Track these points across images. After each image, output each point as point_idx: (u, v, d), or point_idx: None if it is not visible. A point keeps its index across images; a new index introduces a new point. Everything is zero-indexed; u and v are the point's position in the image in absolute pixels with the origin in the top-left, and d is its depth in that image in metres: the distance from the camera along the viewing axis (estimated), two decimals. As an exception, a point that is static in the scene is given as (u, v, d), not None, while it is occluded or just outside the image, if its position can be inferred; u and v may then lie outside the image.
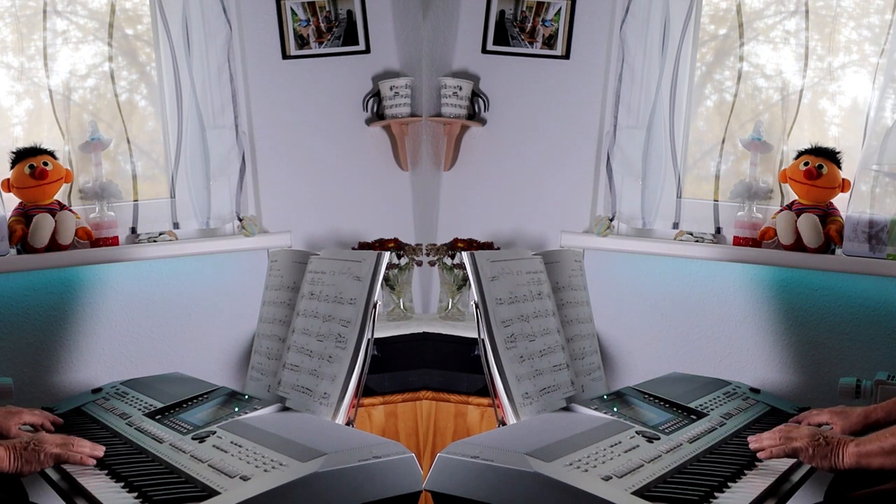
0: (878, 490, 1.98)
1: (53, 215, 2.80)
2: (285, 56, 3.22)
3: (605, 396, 2.38)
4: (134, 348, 3.04)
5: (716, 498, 1.76)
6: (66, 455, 1.91)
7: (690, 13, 3.03)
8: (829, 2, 2.97)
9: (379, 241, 3.19)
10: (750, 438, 2.03)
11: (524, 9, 3.23)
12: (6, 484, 2.21)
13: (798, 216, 2.85)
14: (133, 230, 3.04)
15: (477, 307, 2.29)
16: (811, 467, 1.95)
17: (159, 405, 2.32)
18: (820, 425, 2.19)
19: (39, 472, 1.95)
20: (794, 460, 1.96)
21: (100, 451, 1.96)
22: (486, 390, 2.28)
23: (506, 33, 3.26)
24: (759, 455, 1.95)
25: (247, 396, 2.39)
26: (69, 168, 2.94)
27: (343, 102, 3.29)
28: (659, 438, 2.03)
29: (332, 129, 3.30)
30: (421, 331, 3.03)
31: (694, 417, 2.23)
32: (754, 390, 2.57)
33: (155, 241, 3.01)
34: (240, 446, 1.93)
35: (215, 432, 2.05)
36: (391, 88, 3.24)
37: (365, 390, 2.31)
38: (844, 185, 2.88)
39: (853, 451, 1.88)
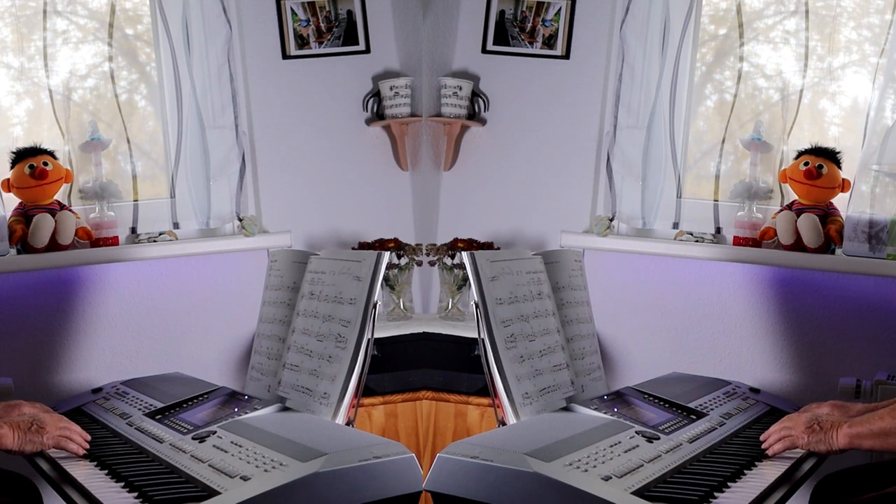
0: (879, 495, 1.99)
1: (53, 215, 2.80)
2: (285, 56, 3.22)
3: (605, 396, 2.38)
4: (134, 348, 3.04)
5: (716, 498, 1.76)
6: (64, 445, 1.99)
7: (690, 13, 3.03)
8: (829, 2, 2.97)
9: (379, 241, 3.19)
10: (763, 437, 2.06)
11: (524, 9, 3.23)
12: (20, 485, 2.21)
13: (798, 216, 2.85)
14: (133, 230, 3.04)
15: (477, 307, 2.29)
16: (811, 467, 1.97)
17: (159, 405, 2.32)
18: None
19: (40, 473, 1.96)
20: (794, 460, 1.97)
21: (87, 437, 2.04)
22: (486, 390, 2.28)
23: (506, 33, 3.26)
24: (767, 452, 1.99)
25: (247, 396, 2.39)
26: (69, 168, 2.94)
27: (343, 102, 3.30)
28: (659, 438, 2.03)
29: (332, 129, 3.30)
30: (421, 331, 3.03)
31: (694, 417, 2.23)
32: (754, 390, 2.57)
33: (155, 241, 3.01)
34: (240, 446, 1.93)
35: (215, 432, 2.05)
36: (391, 88, 3.24)
37: (365, 390, 2.31)
38: (844, 185, 2.88)
39: (846, 432, 1.93)
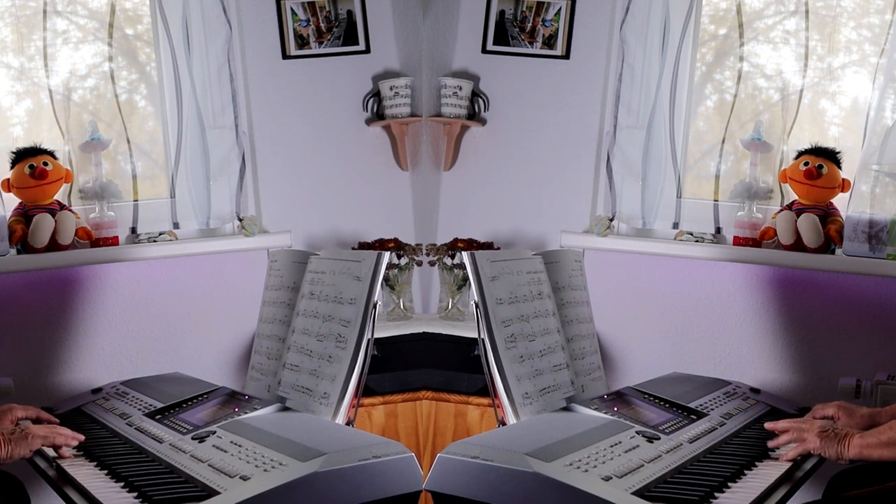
0: (872, 490, 2.01)
1: (53, 215, 2.80)
2: (285, 56, 3.22)
3: (606, 396, 2.38)
4: (134, 348, 3.04)
5: (716, 498, 1.76)
6: (51, 439, 2.00)
7: (690, 13, 3.03)
8: (829, 2, 2.97)
9: (379, 241, 3.19)
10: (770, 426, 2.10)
11: (524, 9, 3.23)
12: (8, 486, 2.22)
13: (798, 216, 2.85)
14: (133, 230, 3.04)
15: (477, 307, 2.29)
16: (811, 467, 1.98)
17: (159, 405, 2.32)
18: (825, 417, 2.22)
19: (39, 472, 1.96)
20: (794, 461, 1.97)
21: (79, 437, 2.06)
22: (486, 390, 2.28)
23: (506, 33, 3.26)
24: (781, 459, 2.00)
25: (247, 396, 2.39)
26: (69, 168, 2.94)
27: (343, 102, 3.30)
28: (659, 438, 2.03)
29: (332, 129, 3.30)
30: (421, 331, 3.03)
31: (694, 417, 2.23)
32: (754, 390, 2.57)
33: (155, 241, 3.01)
34: (240, 446, 1.93)
35: (215, 432, 2.05)
36: (391, 88, 3.24)
37: (365, 390, 2.31)
38: (844, 185, 2.88)
39: (857, 443, 1.95)
